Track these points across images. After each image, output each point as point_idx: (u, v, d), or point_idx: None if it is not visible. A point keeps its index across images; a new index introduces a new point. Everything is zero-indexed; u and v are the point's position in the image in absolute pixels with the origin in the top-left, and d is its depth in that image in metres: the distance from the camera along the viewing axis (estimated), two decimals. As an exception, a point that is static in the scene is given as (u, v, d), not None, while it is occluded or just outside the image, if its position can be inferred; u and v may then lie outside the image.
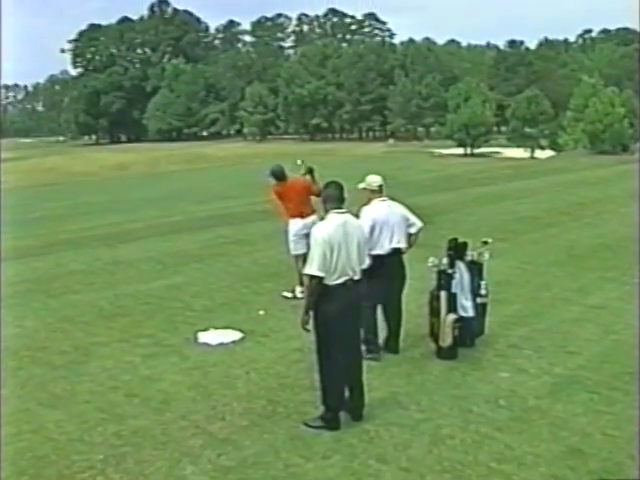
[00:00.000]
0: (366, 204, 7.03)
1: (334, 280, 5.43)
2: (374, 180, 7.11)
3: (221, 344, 7.74)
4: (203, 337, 7.97)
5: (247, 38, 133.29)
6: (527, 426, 5.54)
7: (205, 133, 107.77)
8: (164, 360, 7.31)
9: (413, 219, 7.21)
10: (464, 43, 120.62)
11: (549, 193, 21.45)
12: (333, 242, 5.40)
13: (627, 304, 8.74)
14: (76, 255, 13.97)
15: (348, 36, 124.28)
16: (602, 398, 6.01)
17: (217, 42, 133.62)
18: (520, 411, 5.82)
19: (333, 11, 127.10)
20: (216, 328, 8.22)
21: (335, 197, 5.60)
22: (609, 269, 10.64)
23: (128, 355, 7.51)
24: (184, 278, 11.16)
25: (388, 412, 5.83)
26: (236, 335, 7.99)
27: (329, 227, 5.48)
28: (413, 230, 7.18)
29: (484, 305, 7.28)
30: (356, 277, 5.55)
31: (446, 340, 6.96)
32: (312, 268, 5.38)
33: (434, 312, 7.04)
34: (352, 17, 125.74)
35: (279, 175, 9.56)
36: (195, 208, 22.96)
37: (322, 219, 5.79)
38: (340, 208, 5.60)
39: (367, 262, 5.78)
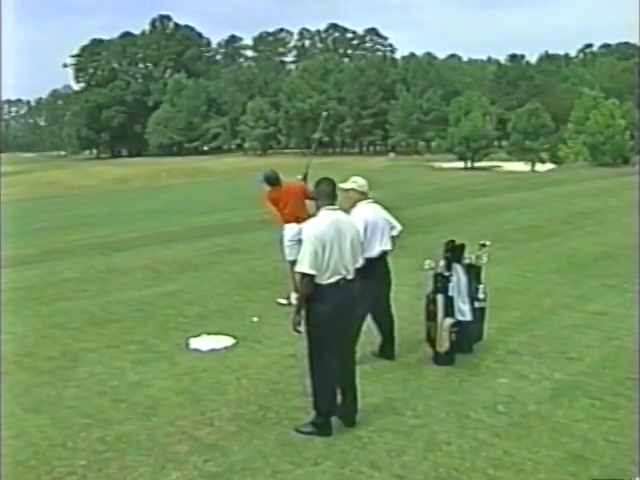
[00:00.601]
0: (353, 206, 6.86)
1: (326, 279, 5.24)
2: (363, 183, 6.97)
3: (212, 350, 7.55)
4: (194, 343, 7.78)
5: (249, 53, 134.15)
6: (527, 432, 5.34)
7: (206, 147, 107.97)
8: (154, 366, 7.11)
9: (394, 222, 7.09)
10: (465, 58, 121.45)
11: (550, 203, 21.28)
12: (325, 239, 5.22)
13: (628, 310, 8.54)
14: (71, 263, 13.80)
15: (349, 51, 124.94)
16: (604, 404, 5.81)
17: (219, 57, 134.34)
18: (519, 417, 5.62)
19: (334, 26, 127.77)
20: (209, 334, 8.04)
21: (327, 193, 5.43)
22: (610, 276, 10.44)
23: (117, 361, 7.31)
24: (178, 286, 10.98)
25: (382, 418, 5.64)
26: (228, 341, 7.80)
27: (321, 224, 5.31)
28: (395, 233, 7.06)
29: (482, 309, 7.09)
30: (349, 276, 5.37)
31: (443, 345, 6.76)
32: (303, 266, 5.20)
33: (431, 316, 6.85)
34: (353, 32, 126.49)
35: (273, 180, 9.40)
36: (194, 219, 22.83)
37: (313, 216, 5.62)
38: (332, 205, 5.43)
39: (361, 262, 5.60)
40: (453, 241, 7.03)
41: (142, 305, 9.73)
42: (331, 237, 5.25)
